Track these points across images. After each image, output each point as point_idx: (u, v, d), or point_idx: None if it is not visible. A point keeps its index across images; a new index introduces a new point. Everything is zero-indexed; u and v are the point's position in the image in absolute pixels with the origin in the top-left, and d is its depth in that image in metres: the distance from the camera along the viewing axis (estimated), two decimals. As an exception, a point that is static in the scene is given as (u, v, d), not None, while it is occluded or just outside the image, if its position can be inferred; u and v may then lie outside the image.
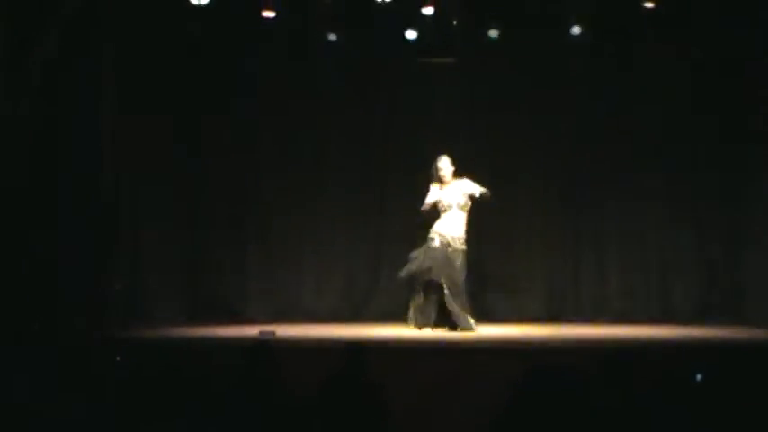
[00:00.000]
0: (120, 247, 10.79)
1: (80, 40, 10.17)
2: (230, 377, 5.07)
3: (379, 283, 11.71)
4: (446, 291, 10.06)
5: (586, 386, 3.52)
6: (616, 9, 10.83)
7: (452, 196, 10.20)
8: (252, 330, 9.89)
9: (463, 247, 10.16)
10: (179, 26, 10.82)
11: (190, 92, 11.51)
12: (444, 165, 10.21)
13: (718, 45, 11.14)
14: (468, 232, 10.22)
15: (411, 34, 11.05)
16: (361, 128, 11.92)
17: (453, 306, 10.05)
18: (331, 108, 11.83)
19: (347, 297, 11.80)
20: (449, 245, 10.12)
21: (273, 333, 9.55)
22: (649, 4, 10.51)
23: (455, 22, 10.97)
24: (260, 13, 10.65)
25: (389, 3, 10.40)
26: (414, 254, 10.27)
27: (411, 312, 10.32)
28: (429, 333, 10.07)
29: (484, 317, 10.71)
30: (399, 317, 10.49)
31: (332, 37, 11.23)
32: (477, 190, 10.13)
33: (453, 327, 10.08)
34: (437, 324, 10.18)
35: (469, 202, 10.22)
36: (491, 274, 11.47)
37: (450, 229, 10.15)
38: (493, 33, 11.06)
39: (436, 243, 10.14)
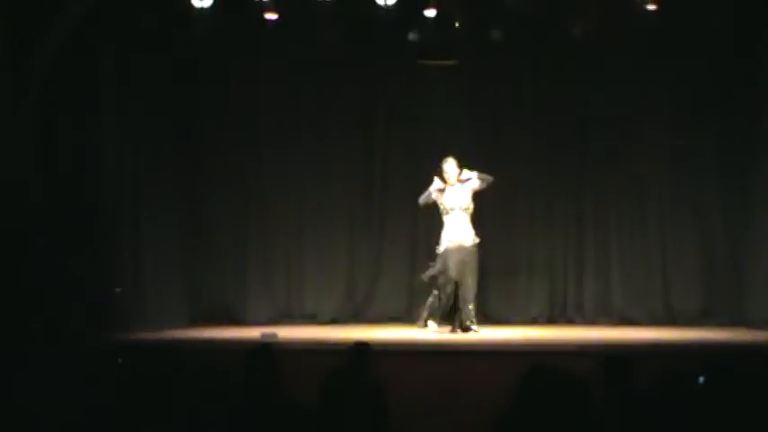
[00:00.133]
0: (121, 248, 10.77)
1: (80, 40, 10.15)
2: (232, 380, 5.06)
3: (379, 286, 11.71)
4: (460, 290, 10.10)
5: (587, 388, 3.51)
6: (616, 9, 10.80)
7: (455, 199, 10.20)
8: (253, 333, 9.88)
9: (476, 240, 10.20)
10: (179, 26, 10.79)
11: (190, 92, 11.51)
12: (450, 167, 10.21)
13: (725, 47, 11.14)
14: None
15: (412, 36, 11.04)
16: (363, 131, 11.90)
17: (465, 305, 10.09)
18: (333, 113, 11.82)
19: (348, 299, 11.79)
20: (462, 246, 10.14)
21: (275, 335, 9.54)
22: (652, 6, 10.48)
23: (457, 25, 10.95)
24: (262, 15, 10.63)
25: (392, 5, 10.38)
26: (433, 264, 10.31)
27: (423, 310, 10.34)
28: (430, 334, 10.07)
29: (486, 319, 10.74)
30: (400, 318, 10.47)
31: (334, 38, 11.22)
32: (476, 181, 10.12)
33: (456, 329, 10.10)
34: (442, 323, 10.22)
35: (472, 205, 10.22)
36: (492, 274, 11.44)
37: (458, 233, 10.17)
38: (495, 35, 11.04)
39: (450, 247, 10.15)
